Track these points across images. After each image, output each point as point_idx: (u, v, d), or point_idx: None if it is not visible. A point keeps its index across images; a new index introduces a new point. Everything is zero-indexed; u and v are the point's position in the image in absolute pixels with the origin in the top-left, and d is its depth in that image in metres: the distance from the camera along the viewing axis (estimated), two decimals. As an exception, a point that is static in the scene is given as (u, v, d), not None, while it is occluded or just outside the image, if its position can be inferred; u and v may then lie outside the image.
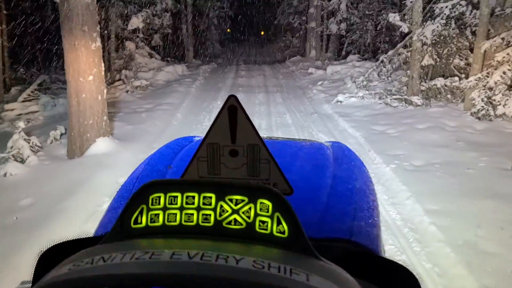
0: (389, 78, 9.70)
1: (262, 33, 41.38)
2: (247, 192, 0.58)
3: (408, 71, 8.20)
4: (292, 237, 0.56)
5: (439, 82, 7.72)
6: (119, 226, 0.58)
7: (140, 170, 1.35)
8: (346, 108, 8.20)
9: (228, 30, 36.02)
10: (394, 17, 7.93)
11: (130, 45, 12.63)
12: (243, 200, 0.58)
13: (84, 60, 5.03)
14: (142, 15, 11.13)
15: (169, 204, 0.58)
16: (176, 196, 0.58)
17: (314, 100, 9.28)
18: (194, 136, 1.75)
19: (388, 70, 9.87)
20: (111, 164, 4.92)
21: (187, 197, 0.58)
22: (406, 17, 8.01)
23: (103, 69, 5.34)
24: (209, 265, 0.46)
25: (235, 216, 0.57)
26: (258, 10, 40.60)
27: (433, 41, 7.57)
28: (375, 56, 14.52)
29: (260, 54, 26.13)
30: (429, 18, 7.83)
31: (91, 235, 0.85)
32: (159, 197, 0.58)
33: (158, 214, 0.58)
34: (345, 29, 15.89)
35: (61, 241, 0.66)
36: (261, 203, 0.57)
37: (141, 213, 0.58)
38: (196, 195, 0.58)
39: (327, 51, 16.83)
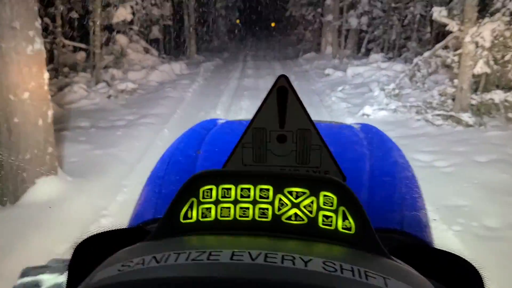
0: (424, 84, 8.03)
1: (273, 24, 39.78)
2: (308, 184, 0.52)
3: (456, 80, 6.53)
4: (359, 233, 0.50)
5: (497, 96, 6.06)
6: (168, 221, 0.52)
7: (168, 155, 1.20)
8: (375, 125, 6.57)
9: (238, 21, 34.38)
10: (439, 12, 6.25)
11: (121, 39, 11.07)
12: (304, 193, 0.52)
13: (15, 70, 3.49)
14: (131, 5, 9.52)
15: (221, 197, 0.53)
16: (230, 189, 0.53)
17: (334, 110, 7.65)
18: (217, 119, 1.52)
19: (423, 75, 8.19)
20: (50, 220, 3.40)
21: (241, 189, 0.53)
22: (454, 12, 6.31)
23: (47, 81, 3.79)
24: (275, 267, 0.42)
25: (296, 210, 0.52)
26: (268, 1, 39.00)
27: (492, 44, 5.90)
28: (400, 55, 12.80)
29: (271, 48, 24.44)
30: (487, 14, 6.14)
31: (125, 226, 0.74)
32: (211, 189, 0.53)
33: (210, 208, 0.53)
34: (366, 23, 14.15)
35: (97, 232, 0.59)
36: (324, 196, 0.52)
37: (191, 207, 0.53)
38: (251, 187, 0.53)
39: (345, 48, 15.11)
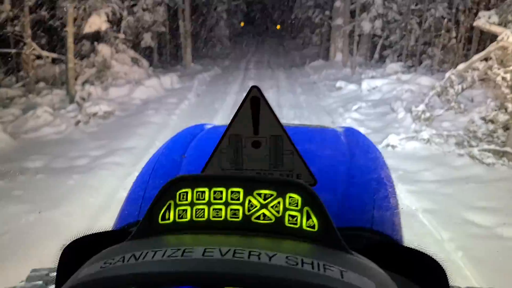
0: (461, 105, 6.59)
1: (278, 27, 38.49)
2: (275, 186, 0.57)
3: (510, 105, 5.08)
4: (322, 231, 0.55)
5: None
6: (147, 222, 0.57)
7: (154, 160, 1.24)
8: (404, 161, 5.16)
9: (242, 24, 33.09)
10: (488, 18, 4.80)
11: (103, 49, 9.73)
12: (271, 195, 0.57)
13: None
14: (106, 12, 8.15)
15: (196, 199, 0.58)
16: (204, 191, 0.58)
17: (350, 138, 6.24)
18: (205, 124, 1.57)
19: (457, 91, 6.75)
20: None
21: (214, 192, 0.58)
22: (510, 17, 4.86)
23: None
24: (242, 262, 0.46)
25: (264, 210, 0.57)
26: (273, 2, 37.77)
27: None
28: (421, 63, 11.33)
29: (275, 53, 23.05)
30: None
31: (110, 229, 0.83)
32: (186, 192, 0.58)
33: (186, 209, 0.58)
34: (380, 27, 12.70)
35: (84, 235, 0.64)
36: (290, 197, 0.56)
37: (168, 208, 0.58)
38: (224, 190, 0.58)
39: (356, 54, 13.66)
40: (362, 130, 6.42)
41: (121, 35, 10.81)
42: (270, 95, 9.56)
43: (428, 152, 5.38)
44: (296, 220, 0.55)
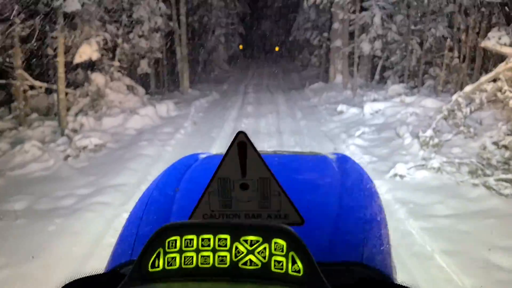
0: (470, 128, 6.25)
1: (277, 49, 38.67)
2: (261, 232, 0.59)
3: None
4: (307, 275, 0.57)
5: None
6: (137, 270, 0.59)
7: (148, 194, 1.25)
8: (414, 192, 4.79)
9: (241, 46, 33.18)
10: (498, 39, 4.51)
11: (97, 78, 9.49)
12: (257, 241, 0.58)
13: None
14: (97, 41, 7.92)
15: (185, 247, 0.59)
16: (192, 239, 0.59)
17: (354, 167, 5.88)
18: (199, 153, 1.57)
19: (465, 114, 6.42)
20: None
21: (202, 239, 0.59)
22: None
23: None
24: None
25: (251, 256, 0.58)
26: (272, 25, 38.04)
27: None
28: (423, 83, 11.06)
29: (274, 75, 22.92)
30: None
31: (103, 271, 0.83)
32: (175, 240, 0.59)
33: (175, 257, 0.59)
34: (380, 48, 12.50)
35: (76, 278, 0.65)
36: (275, 243, 0.58)
37: (158, 256, 0.59)
38: (211, 237, 0.59)
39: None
40: (367, 158, 6.07)
41: (116, 63, 10.61)
42: (270, 121, 9.26)
43: (439, 182, 5.01)
44: (282, 265, 0.57)
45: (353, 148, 6.60)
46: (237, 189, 0.76)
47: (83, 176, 5.54)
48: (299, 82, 18.20)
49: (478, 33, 10.32)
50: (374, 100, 9.54)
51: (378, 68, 13.59)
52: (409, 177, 5.16)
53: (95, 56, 7.80)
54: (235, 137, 0.74)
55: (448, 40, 9.58)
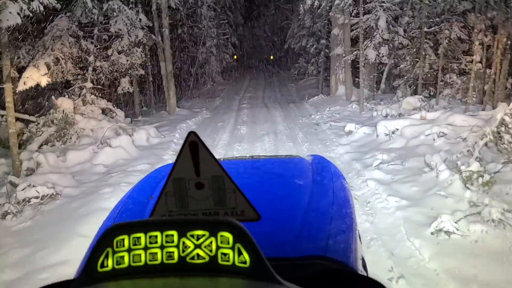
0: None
1: (271, 57, 37.55)
2: (207, 226, 0.59)
3: None
4: (254, 266, 0.57)
5: None
6: (86, 271, 0.59)
7: (121, 203, 1.29)
8: (471, 259, 3.38)
9: (235, 57, 31.93)
10: None
11: (64, 102, 8.11)
12: (204, 235, 0.59)
13: None
14: (47, 62, 6.51)
15: (133, 245, 0.59)
16: (140, 237, 0.59)
17: (377, 215, 4.47)
18: None
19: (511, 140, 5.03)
20: None
21: (150, 236, 0.59)
22: None
23: None
24: None
25: (198, 250, 0.59)
26: (266, 33, 36.96)
27: None
28: (439, 92, 9.69)
29: (270, 86, 21.60)
30: None
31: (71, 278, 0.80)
32: (123, 239, 0.59)
33: (123, 256, 0.59)
34: (387, 54, 11.17)
35: (48, 284, 0.65)
36: (221, 236, 0.59)
37: (106, 256, 0.59)
38: (158, 234, 0.59)
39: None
40: (392, 201, 4.67)
41: (88, 84, 9.24)
42: (266, 146, 7.86)
43: (503, 241, 3.60)
44: (229, 257, 0.58)
45: (373, 185, 5.20)
46: (193, 188, 0.77)
47: (16, 246, 4.12)
48: (297, 94, 16.86)
49: (495, 33, 9.01)
50: (387, 116, 8.17)
51: (384, 75, 12.24)
52: (459, 233, 3.76)
53: (44, 81, 6.42)
54: (186, 137, 0.75)
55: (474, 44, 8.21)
